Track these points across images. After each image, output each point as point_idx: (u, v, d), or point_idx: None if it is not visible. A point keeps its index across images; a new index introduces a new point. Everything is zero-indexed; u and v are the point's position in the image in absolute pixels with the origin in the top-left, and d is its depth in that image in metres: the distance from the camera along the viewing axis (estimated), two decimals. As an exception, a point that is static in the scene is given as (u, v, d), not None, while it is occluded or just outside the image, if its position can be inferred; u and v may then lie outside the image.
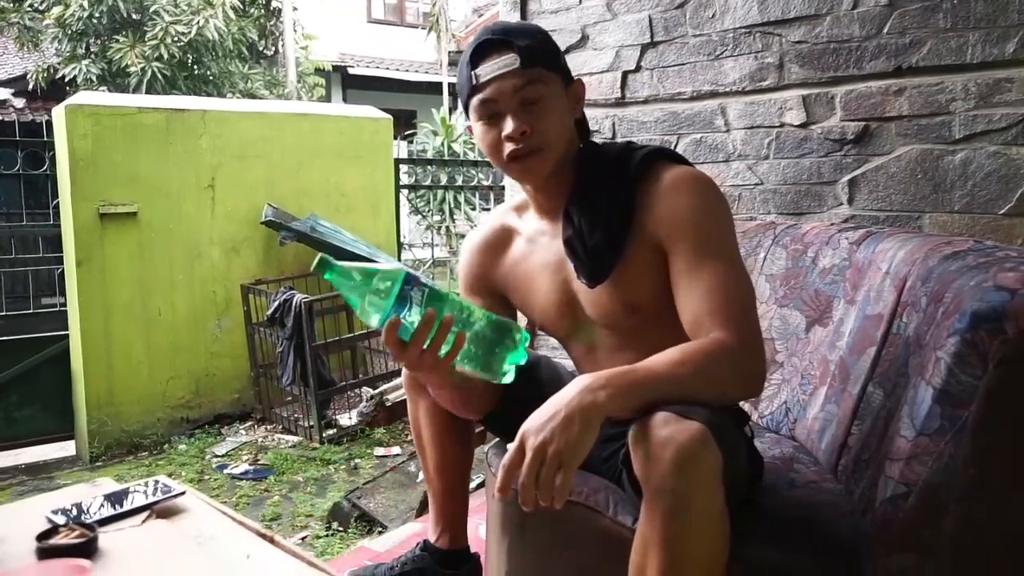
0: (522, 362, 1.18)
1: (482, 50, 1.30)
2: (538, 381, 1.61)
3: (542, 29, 1.36)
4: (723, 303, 1.20)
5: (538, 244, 1.45)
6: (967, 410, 1.06)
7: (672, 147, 2.40)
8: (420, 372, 1.18)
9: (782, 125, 2.28)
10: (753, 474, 1.36)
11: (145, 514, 1.38)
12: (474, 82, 1.30)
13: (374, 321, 1.10)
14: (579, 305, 1.41)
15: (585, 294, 1.38)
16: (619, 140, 1.47)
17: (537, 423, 1.08)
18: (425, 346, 1.12)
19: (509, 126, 1.29)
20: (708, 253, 1.24)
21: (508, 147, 1.30)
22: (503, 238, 1.51)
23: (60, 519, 1.33)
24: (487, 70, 1.29)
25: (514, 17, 2.86)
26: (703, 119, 2.45)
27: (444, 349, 1.13)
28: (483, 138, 1.34)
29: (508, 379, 1.18)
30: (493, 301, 1.53)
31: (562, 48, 2.76)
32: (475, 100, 1.32)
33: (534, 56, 1.29)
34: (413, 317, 1.10)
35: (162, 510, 1.40)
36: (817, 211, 2.23)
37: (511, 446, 1.10)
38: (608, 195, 1.33)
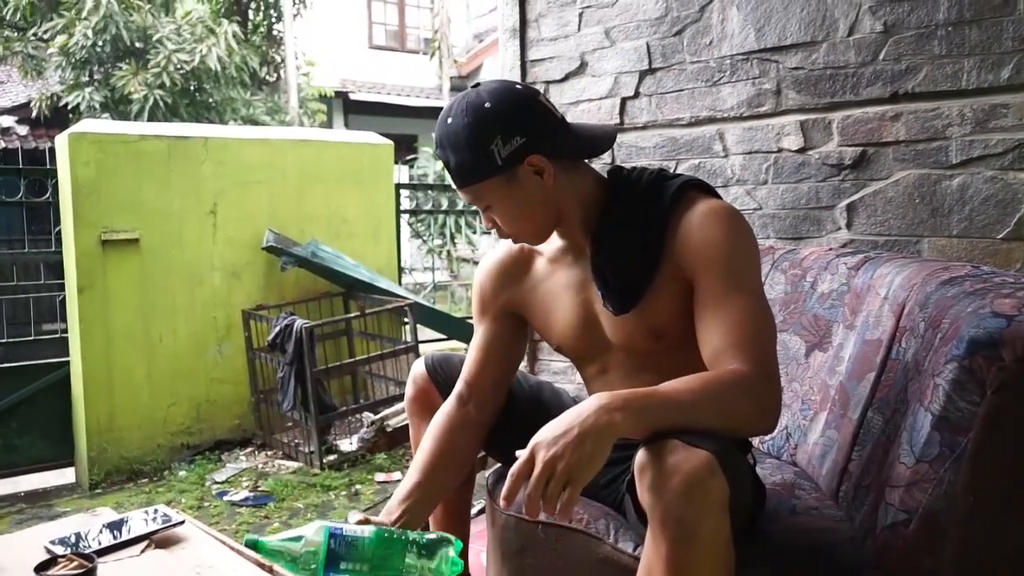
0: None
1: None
2: (542, 405, 1.61)
3: (472, 122, 1.28)
4: (744, 337, 1.20)
5: (561, 264, 1.46)
6: (966, 436, 1.07)
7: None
8: None
9: (780, 150, 2.29)
10: (756, 501, 1.35)
11: (144, 544, 1.38)
12: None
13: None
14: (600, 327, 1.41)
15: (608, 317, 1.38)
16: (650, 166, 1.45)
17: (550, 436, 1.09)
18: None
19: (484, 221, 1.40)
20: (733, 287, 1.24)
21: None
22: (523, 259, 1.52)
23: (59, 549, 1.32)
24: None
25: (513, 46, 2.88)
26: (701, 144, 2.47)
27: None
28: None
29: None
30: (508, 322, 1.54)
31: (561, 75, 2.80)
32: None
33: (465, 176, 1.32)
34: None
35: (161, 539, 1.40)
36: (816, 236, 2.24)
37: (521, 455, 1.10)
38: (640, 224, 1.33)
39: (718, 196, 1.35)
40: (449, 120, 1.31)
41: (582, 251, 1.41)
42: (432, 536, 1.25)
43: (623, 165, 1.45)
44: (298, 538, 1.20)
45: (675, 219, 1.30)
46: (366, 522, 1.34)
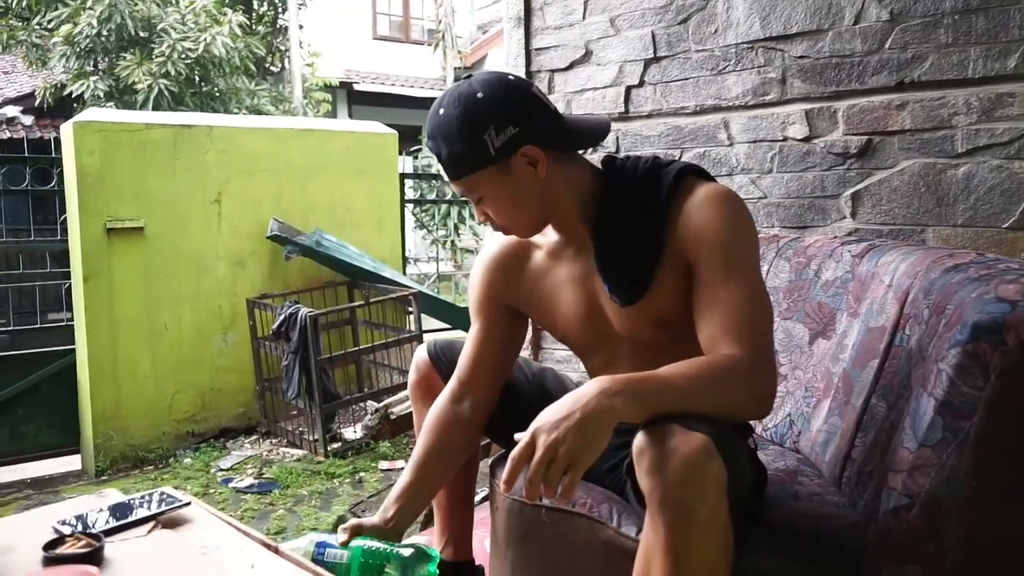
0: None
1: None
2: (545, 392, 1.61)
3: (464, 112, 1.27)
4: (740, 322, 1.21)
5: (562, 257, 1.44)
6: (968, 421, 1.07)
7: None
8: None
9: (785, 139, 2.29)
10: (757, 485, 1.36)
11: (151, 524, 1.39)
12: None
13: None
14: (606, 319, 1.41)
15: (613, 309, 1.37)
16: (643, 154, 1.45)
17: (551, 420, 1.09)
18: None
19: (476, 214, 1.41)
20: (731, 272, 1.24)
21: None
22: (521, 253, 1.50)
23: (66, 529, 1.33)
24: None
25: (517, 35, 2.88)
26: (706, 133, 2.47)
27: None
28: None
29: None
30: (505, 317, 1.54)
31: (566, 64, 2.80)
32: None
33: (458, 167, 1.30)
34: None
35: (167, 520, 1.41)
36: (821, 224, 2.24)
37: (522, 438, 1.10)
38: (640, 213, 1.32)
39: (714, 180, 1.35)
40: (441, 111, 1.30)
41: (583, 244, 1.39)
42: (411, 552, 1.30)
43: (615, 155, 1.45)
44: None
45: (675, 206, 1.30)
46: (358, 528, 1.40)
